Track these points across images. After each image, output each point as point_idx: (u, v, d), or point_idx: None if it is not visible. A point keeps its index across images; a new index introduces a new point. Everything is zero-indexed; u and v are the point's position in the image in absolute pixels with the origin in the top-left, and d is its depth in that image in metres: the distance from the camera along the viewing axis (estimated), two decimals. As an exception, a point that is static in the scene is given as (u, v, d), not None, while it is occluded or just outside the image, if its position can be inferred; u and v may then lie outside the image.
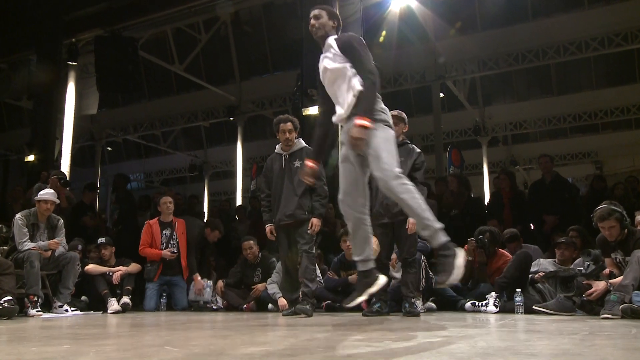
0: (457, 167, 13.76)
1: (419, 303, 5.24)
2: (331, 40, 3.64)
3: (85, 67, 11.43)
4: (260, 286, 6.28)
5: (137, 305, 6.68)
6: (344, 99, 3.43)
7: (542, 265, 5.48)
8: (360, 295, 3.28)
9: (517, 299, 4.85)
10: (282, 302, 5.58)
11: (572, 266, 5.15)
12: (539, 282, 5.19)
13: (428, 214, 3.09)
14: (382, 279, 3.30)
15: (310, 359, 1.98)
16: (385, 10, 11.01)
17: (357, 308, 5.43)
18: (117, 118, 17.47)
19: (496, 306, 5.04)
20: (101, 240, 6.74)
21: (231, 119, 15.71)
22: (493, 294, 5.13)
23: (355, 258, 3.42)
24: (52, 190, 6.18)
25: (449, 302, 5.85)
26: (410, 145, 4.96)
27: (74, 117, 11.43)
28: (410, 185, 3.14)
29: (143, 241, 6.72)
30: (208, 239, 6.92)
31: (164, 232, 6.80)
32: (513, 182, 7.93)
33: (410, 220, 4.67)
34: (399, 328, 3.44)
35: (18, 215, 5.95)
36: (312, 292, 4.98)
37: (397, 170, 3.13)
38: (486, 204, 9.03)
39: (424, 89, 15.14)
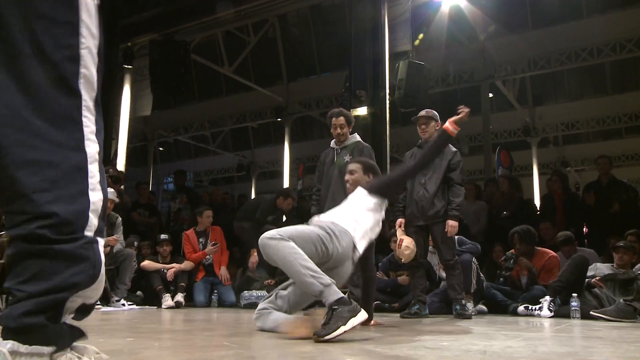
0: (506, 169, 13.45)
1: (469, 305, 5.17)
2: None
3: (140, 70, 11.75)
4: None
5: (188, 300, 6.83)
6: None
7: (599, 269, 5.30)
8: (343, 325, 2.86)
9: (573, 303, 4.70)
10: None
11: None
12: (596, 286, 5.03)
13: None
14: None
15: (377, 357, 1.98)
16: (434, 9, 10.88)
17: (399, 309, 5.43)
18: (169, 119, 17.88)
19: (551, 310, 4.91)
20: (164, 236, 6.92)
21: (278, 119, 15.86)
22: (547, 297, 5.00)
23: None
24: (112, 190, 6.38)
25: (499, 305, 5.74)
26: None
27: (129, 119, 11.79)
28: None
29: (187, 250, 6.97)
30: (282, 207, 6.99)
31: (200, 239, 7.02)
32: (566, 183, 7.73)
33: (450, 222, 4.62)
34: (454, 330, 3.39)
35: (80, 213, 6.18)
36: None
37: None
38: (537, 205, 8.82)
39: (472, 89, 14.88)
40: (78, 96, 1.26)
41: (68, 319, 1.25)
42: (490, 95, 14.39)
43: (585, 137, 18.65)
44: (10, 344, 1.17)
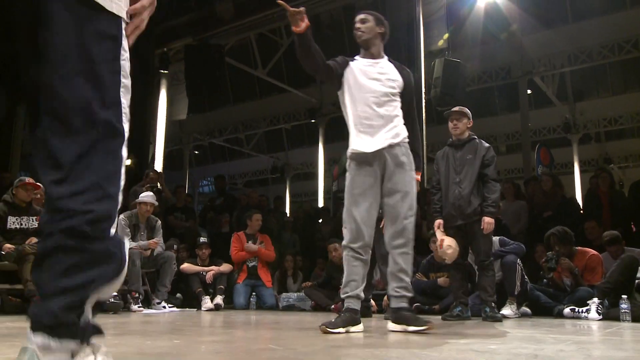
0: (546, 166, 13.18)
1: (512, 308, 5.07)
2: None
3: (176, 74, 11.94)
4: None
5: (228, 303, 6.90)
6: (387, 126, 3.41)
7: (651, 270, 5.13)
8: (343, 327, 3.14)
9: (623, 306, 4.55)
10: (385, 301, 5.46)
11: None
12: (648, 288, 4.87)
13: None
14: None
15: (418, 361, 1.96)
16: (469, 6, 10.73)
17: (440, 311, 5.36)
18: (204, 123, 18.11)
19: (599, 313, 4.76)
20: (203, 239, 7.01)
21: (312, 121, 15.90)
22: (595, 300, 4.85)
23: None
24: (151, 193, 6.51)
25: (543, 307, 5.61)
26: (477, 140, 4.81)
27: (165, 123, 12.00)
28: None
29: (235, 248, 7.02)
30: None
31: (249, 242, 7.07)
32: (612, 181, 7.51)
33: (486, 219, 4.54)
34: (500, 333, 3.33)
35: (121, 216, 6.30)
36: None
37: None
38: (580, 204, 8.60)
39: (509, 86, 14.64)
40: (119, 105, 1.32)
41: (90, 314, 1.28)
42: (529, 91, 14.12)
43: (629, 132, 18.10)
44: (40, 338, 1.20)
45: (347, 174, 3.44)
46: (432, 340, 2.82)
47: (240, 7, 11.22)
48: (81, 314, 1.26)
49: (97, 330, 1.32)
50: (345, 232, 3.36)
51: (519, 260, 5.24)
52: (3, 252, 5.26)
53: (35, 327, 1.21)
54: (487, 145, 4.80)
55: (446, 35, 9.25)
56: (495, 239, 5.31)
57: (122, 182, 1.34)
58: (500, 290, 5.21)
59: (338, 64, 3.59)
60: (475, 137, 4.85)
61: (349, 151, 3.43)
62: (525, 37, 12.90)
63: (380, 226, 3.47)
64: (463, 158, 4.74)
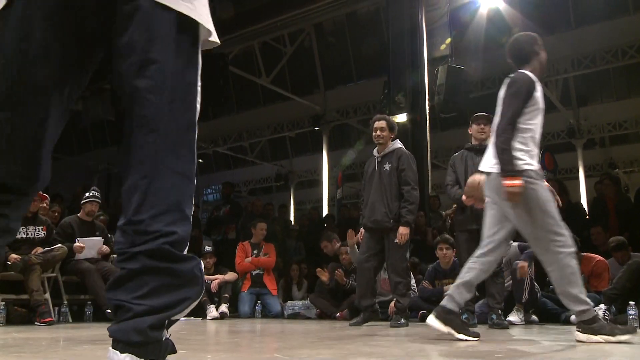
0: (551, 172, 13.16)
1: (519, 314, 5.05)
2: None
3: (180, 83, 11.98)
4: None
5: (233, 311, 6.87)
6: None
7: (659, 275, 5.09)
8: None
9: (631, 312, 4.51)
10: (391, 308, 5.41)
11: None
12: (655, 294, 4.82)
13: None
14: None
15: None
16: (472, 13, 10.76)
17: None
18: (207, 131, 18.12)
19: (606, 319, 4.71)
20: (208, 248, 7.01)
21: (316, 128, 15.90)
22: (602, 306, 4.80)
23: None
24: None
25: (550, 314, 5.57)
26: None
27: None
28: None
29: (239, 258, 7.03)
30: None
31: (254, 251, 7.08)
32: (618, 186, 7.48)
33: None
34: (508, 340, 3.31)
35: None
36: (405, 307, 4.84)
37: None
38: (586, 209, 8.56)
39: (513, 91, 14.64)
40: (195, 129, 1.39)
41: (166, 332, 1.32)
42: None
43: (633, 137, 18.04)
44: (129, 358, 1.22)
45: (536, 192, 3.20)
46: (444, 347, 2.80)
47: (243, 15, 11.27)
48: (162, 332, 1.29)
49: (172, 349, 1.34)
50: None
51: (530, 270, 5.20)
52: (9, 262, 5.26)
53: (123, 348, 1.23)
54: None
55: (448, 40, 9.25)
56: (515, 244, 5.29)
57: (193, 205, 1.40)
58: (509, 296, 5.18)
59: None
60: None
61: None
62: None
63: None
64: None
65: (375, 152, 5.11)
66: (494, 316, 4.58)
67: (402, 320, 4.68)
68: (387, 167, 4.90)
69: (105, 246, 5.98)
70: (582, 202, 13.33)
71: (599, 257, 5.59)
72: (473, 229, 4.66)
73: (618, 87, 15.98)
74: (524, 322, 5.09)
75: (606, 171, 14.52)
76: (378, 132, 4.94)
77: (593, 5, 12.72)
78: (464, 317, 4.72)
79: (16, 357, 2.40)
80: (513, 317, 5.04)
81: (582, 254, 5.54)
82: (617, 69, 14.31)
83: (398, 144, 5.04)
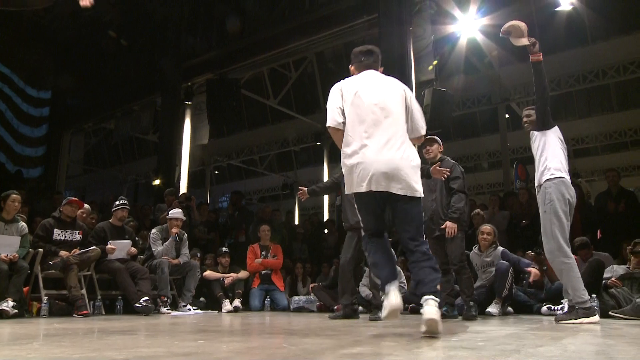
0: (523, 181, 13.16)
1: (497, 307, 5.05)
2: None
3: (199, 105, 12.03)
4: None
5: (245, 305, 6.86)
6: None
7: (616, 271, 5.10)
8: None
9: (593, 304, 4.51)
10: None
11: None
12: (614, 286, 4.83)
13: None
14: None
15: (423, 357, 1.95)
16: (453, 42, 10.81)
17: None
18: (223, 146, 18.19)
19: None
20: (225, 249, 7.00)
21: (318, 143, 15.99)
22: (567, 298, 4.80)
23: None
24: (180, 210, 6.52)
25: (523, 306, 5.57)
26: (447, 159, 4.78)
27: (190, 147, 12.07)
28: None
29: (250, 259, 7.04)
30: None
31: (262, 253, 7.07)
32: (581, 194, 7.50)
33: (448, 224, 4.48)
34: (485, 330, 3.30)
35: (153, 230, 6.33)
36: (381, 303, 4.69)
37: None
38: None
39: (489, 111, 14.71)
40: None
41: None
42: (507, 115, 14.16)
43: (594, 150, 18.16)
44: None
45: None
46: (427, 337, 2.80)
47: (254, 45, 11.34)
48: None
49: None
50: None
51: (511, 269, 5.21)
52: (51, 263, 5.28)
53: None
54: (452, 162, 4.76)
55: (435, 62, 9.26)
56: (500, 248, 5.32)
57: None
58: (489, 290, 5.19)
59: None
60: (446, 157, 4.81)
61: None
62: (502, 69, 12.98)
63: None
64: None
65: None
66: (465, 308, 4.56)
67: (379, 314, 4.50)
68: None
69: (133, 248, 5.99)
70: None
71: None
72: (437, 236, 4.64)
73: (580, 107, 16.08)
74: (501, 314, 5.08)
75: (571, 180, 14.52)
76: None
77: (557, 36, 12.80)
78: (443, 309, 4.71)
79: (57, 345, 2.41)
80: (492, 309, 5.05)
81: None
82: (578, 91, 14.44)
83: None
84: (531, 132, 4.31)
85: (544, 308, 5.08)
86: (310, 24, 10.48)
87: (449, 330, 3.29)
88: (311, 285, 6.90)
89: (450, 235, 4.50)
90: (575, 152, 18.22)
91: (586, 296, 3.81)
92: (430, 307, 2.68)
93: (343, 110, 3.09)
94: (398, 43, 9.09)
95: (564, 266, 3.84)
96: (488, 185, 19.28)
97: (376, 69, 3.32)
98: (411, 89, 8.92)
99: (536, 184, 4.15)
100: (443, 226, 4.52)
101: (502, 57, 12.86)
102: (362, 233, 3.34)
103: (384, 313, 2.84)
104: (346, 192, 3.13)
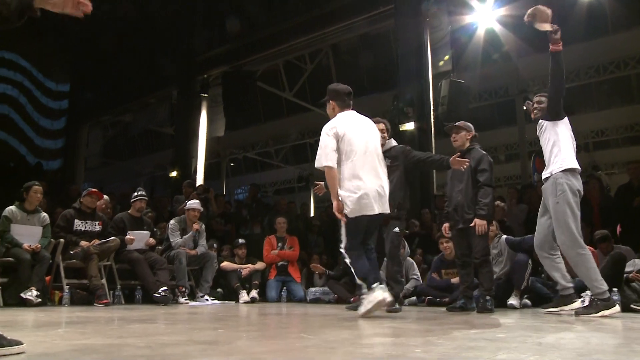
0: (541, 174, 13.00)
1: (517, 299, 5.02)
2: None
3: (215, 97, 12.09)
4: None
5: (262, 296, 6.90)
6: None
7: (637, 265, 5.01)
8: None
9: (614, 297, 4.44)
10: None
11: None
12: (636, 280, 4.75)
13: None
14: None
15: (443, 347, 1.94)
16: (470, 33, 10.67)
17: (449, 303, 5.29)
18: (238, 139, 18.25)
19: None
20: (241, 241, 7.03)
21: (333, 135, 15.96)
22: (588, 292, 4.73)
23: None
24: (197, 201, 6.56)
25: (543, 298, 5.50)
26: (476, 149, 4.69)
27: (206, 139, 12.15)
28: None
29: (267, 251, 7.05)
30: None
31: (278, 244, 7.08)
32: (601, 187, 7.38)
33: (477, 221, 4.42)
34: (505, 323, 3.28)
35: (172, 221, 6.39)
36: (397, 294, 4.61)
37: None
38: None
39: (507, 103, 14.52)
40: None
41: None
42: (525, 107, 13.97)
43: (614, 143, 17.84)
44: None
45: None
46: (446, 329, 2.79)
47: (269, 38, 11.34)
48: None
49: None
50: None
51: (530, 260, 5.15)
52: (72, 252, 5.37)
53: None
54: (482, 152, 4.64)
55: (447, 57, 9.18)
56: (504, 237, 5.26)
57: None
58: (506, 283, 5.14)
59: None
60: (476, 146, 4.71)
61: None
62: (519, 59, 12.80)
63: None
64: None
65: None
66: (481, 300, 4.53)
67: (396, 306, 4.45)
68: (388, 162, 4.80)
69: (152, 239, 6.05)
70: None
71: (590, 248, 5.50)
72: (461, 228, 4.61)
73: (599, 98, 15.81)
74: (520, 306, 5.05)
75: (590, 173, 14.29)
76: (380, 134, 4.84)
77: (577, 26, 12.58)
78: (460, 302, 4.69)
79: (81, 332, 2.45)
80: (513, 301, 5.01)
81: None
82: (598, 83, 14.18)
83: (393, 142, 4.93)
84: (540, 121, 4.22)
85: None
86: (325, 16, 10.45)
87: (468, 322, 3.28)
88: (312, 266, 6.94)
89: (481, 233, 4.42)
90: (594, 145, 17.96)
91: (604, 286, 3.78)
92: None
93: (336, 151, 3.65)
94: (414, 34, 9.01)
95: (580, 258, 3.81)
96: (505, 178, 19.06)
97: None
98: (428, 80, 8.90)
99: (545, 174, 4.09)
100: (472, 224, 4.42)
101: (520, 48, 12.68)
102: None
103: (368, 306, 3.38)
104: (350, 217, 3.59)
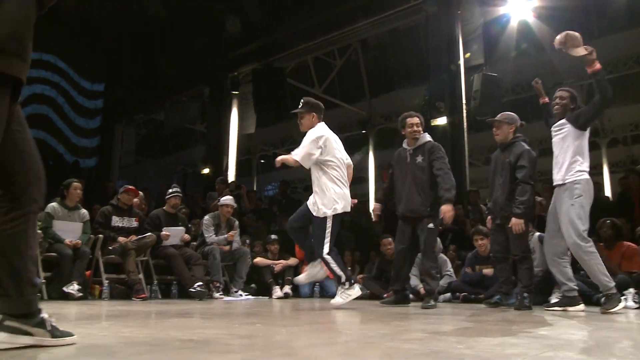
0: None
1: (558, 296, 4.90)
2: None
3: (245, 95, 12.20)
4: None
5: (294, 291, 6.93)
6: None
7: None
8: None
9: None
10: (423, 292, 5.36)
11: None
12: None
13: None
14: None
15: (485, 344, 1.92)
16: (503, 25, 10.47)
17: (484, 300, 5.21)
18: (268, 135, 18.35)
19: (635, 302, 4.52)
20: (274, 237, 7.08)
21: (363, 131, 15.93)
22: (631, 289, 4.61)
23: None
24: (231, 197, 6.64)
25: (583, 296, 5.35)
26: (518, 142, 4.59)
27: (237, 136, 12.28)
28: None
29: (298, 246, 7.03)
30: None
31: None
32: (640, 182, 7.13)
33: (513, 220, 4.31)
34: (546, 321, 3.22)
35: (206, 217, 6.49)
36: (433, 290, 4.62)
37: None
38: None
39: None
40: None
41: None
42: (534, 84, 13.60)
43: (653, 136, 17.20)
44: None
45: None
46: (485, 325, 2.76)
47: (298, 34, 11.37)
48: None
49: None
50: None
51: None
52: (110, 248, 5.51)
53: None
54: (524, 147, 4.52)
55: (468, 55, 8.97)
56: (537, 234, 5.15)
57: None
58: (544, 280, 5.02)
59: None
60: (519, 140, 4.60)
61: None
62: (554, 52, 12.44)
63: None
64: (504, 160, 4.58)
65: (405, 144, 4.92)
66: (519, 297, 4.43)
67: (432, 302, 4.47)
68: (419, 159, 4.71)
69: (186, 234, 6.15)
70: (606, 196, 12.78)
71: (630, 243, 5.35)
72: (498, 224, 4.56)
73: (638, 90, 15.26)
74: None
75: (630, 167, 13.87)
76: (415, 128, 4.78)
77: (614, 17, 12.19)
78: (496, 298, 4.62)
79: (125, 325, 2.52)
80: (554, 299, 4.90)
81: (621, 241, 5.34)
82: (637, 74, 13.68)
83: (427, 137, 4.87)
84: (564, 121, 4.15)
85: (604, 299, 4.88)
86: (355, 11, 10.40)
87: (507, 319, 3.22)
88: (359, 277, 6.90)
89: (517, 232, 4.31)
90: (632, 138, 17.36)
91: (612, 282, 3.95)
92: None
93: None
94: (446, 27, 8.89)
95: (589, 256, 3.89)
96: (539, 173, 18.55)
97: None
98: (459, 75, 8.77)
99: (561, 176, 4.08)
100: (510, 224, 4.33)
101: (554, 39, 12.36)
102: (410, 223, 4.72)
103: (347, 299, 4.21)
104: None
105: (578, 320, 3.25)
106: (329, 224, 4.17)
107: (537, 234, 5.26)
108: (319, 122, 4.46)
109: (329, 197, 4.18)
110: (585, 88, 14.14)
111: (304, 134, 4.47)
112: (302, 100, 4.56)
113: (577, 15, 12.51)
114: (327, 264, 4.17)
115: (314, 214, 4.23)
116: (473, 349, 1.77)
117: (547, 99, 4.73)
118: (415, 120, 4.85)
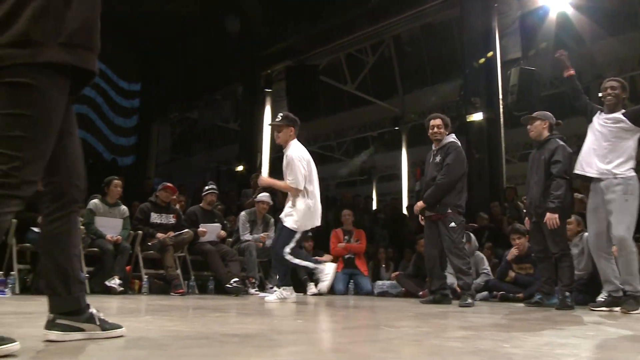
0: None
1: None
2: None
3: (278, 92, 12.27)
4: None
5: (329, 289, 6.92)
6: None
7: None
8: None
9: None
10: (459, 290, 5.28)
11: None
12: None
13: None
14: None
15: (532, 343, 1.88)
16: (541, 18, 10.18)
17: (523, 299, 5.09)
18: (301, 132, 18.32)
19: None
20: (309, 234, 7.09)
21: (396, 128, 15.80)
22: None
23: None
24: (267, 194, 6.69)
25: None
26: (554, 140, 4.48)
27: (270, 134, 12.35)
28: None
29: (333, 244, 7.09)
30: None
31: (345, 237, 7.09)
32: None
33: (548, 215, 4.19)
34: (591, 321, 3.12)
35: (242, 213, 6.56)
36: (469, 285, 4.54)
37: None
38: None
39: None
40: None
41: None
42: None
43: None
44: None
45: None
46: (528, 325, 2.70)
47: (331, 31, 11.35)
48: None
49: None
50: None
51: None
52: (149, 244, 5.63)
53: None
54: (559, 143, 4.43)
55: (490, 53, 8.72)
56: (585, 235, 4.99)
57: None
58: (590, 280, 4.86)
59: None
60: (554, 137, 4.50)
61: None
62: (594, 44, 12.07)
63: None
64: (539, 158, 4.49)
65: (433, 146, 4.91)
66: (559, 297, 4.30)
67: (469, 300, 4.39)
68: (438, 159, 4.72)
69: (223, 231, 6.23)
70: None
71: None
72: (535, 222, 4.45)
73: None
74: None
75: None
76: (435, 129, 4.76)
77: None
78: (537, 297, 4.51)
79: (168, 319, 2.57)
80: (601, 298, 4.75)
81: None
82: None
83: (451, 138, 4.80)
84: (621, 115, 4.02)
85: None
86: (387, 6, 10.31)
87: (549, 319, 3.15)
88: (394, 275, 6.86)
89: (552, 227, 4.21)
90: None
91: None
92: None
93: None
94: (482, 20, 8.71)
95: (632, 255, 3.79)
96: (578, 170, 18.17)
97: None
98: (497, 69, 8.58)
99: (610, 168, 3.97)
100: (545, 220, 4.23)
101: (594, 31, 11.97)
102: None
103: (329, 278, 4.47)
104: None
105: (624, 321, 3.14)
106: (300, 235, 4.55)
107: (587, 234, 5.08)
108: (294, 137, 4.85)
109: (300, 212, 4.47)
110: (628, 80, 13.67)
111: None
112: (280, 114, 4.89)
113: (619, 7, 12.09)
114: (290, 262, 4.52)
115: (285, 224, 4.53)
116: (520, 348, 1.73)
117: (572, 72, 4.55)
118: (437, 122, 4.81)
